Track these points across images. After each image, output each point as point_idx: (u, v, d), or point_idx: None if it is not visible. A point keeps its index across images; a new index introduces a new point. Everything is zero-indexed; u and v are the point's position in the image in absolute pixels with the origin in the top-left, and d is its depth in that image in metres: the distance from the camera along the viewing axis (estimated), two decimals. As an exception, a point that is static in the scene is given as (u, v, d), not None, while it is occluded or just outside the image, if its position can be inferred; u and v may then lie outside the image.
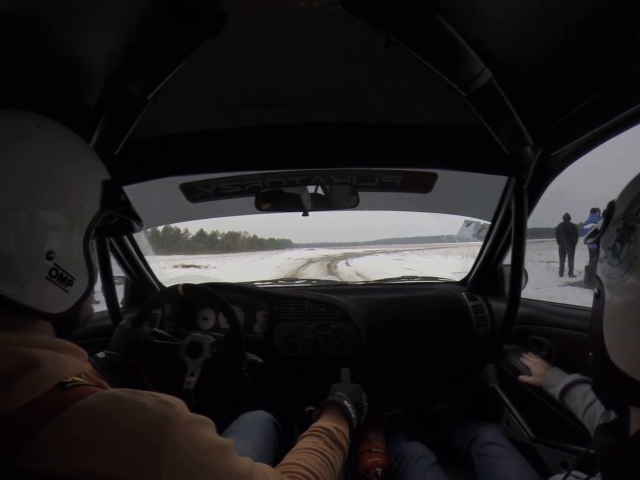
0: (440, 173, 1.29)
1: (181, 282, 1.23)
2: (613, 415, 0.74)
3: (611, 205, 0.42)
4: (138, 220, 0.60)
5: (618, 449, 0.35)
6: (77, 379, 0.41)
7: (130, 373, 1.06)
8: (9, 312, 0.42)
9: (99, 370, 0.93)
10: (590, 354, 0.40)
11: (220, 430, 1.06)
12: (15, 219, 0.40)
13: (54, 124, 0.48)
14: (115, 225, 0.60)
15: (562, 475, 0.40)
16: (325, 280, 3.04)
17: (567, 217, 9.30)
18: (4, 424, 0.35)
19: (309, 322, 1.37)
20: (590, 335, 0.41)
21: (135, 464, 0.35)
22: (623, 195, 0.41)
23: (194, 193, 1.37)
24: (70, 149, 0.48)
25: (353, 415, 0.78)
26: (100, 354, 0.97)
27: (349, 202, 1.31)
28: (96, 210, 0.49)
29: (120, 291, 1.50)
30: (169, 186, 1.31)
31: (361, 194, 1.28)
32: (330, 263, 23.89)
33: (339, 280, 8.61)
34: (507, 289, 1.31)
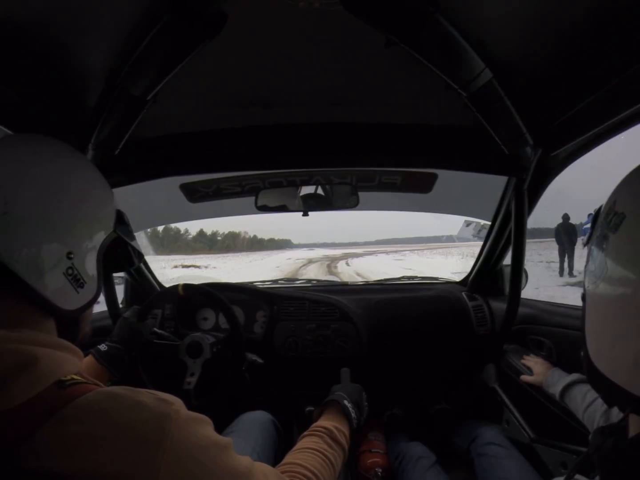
0: (440, 173, 1.29)
1: (181, 282, 1.23)
2: (613, 414, 0.75)
3: (597, 211, 0.43)
4: (139, 253, 0.65)
5: (616, 452, 0.35)
6: (75, 377, 0.41)
7: (132, 366, 1.05)
8: (19, 305, 0.44)
9: (101, 363, 0.92)
10: (582, 353, 0.41)
11: (220, 430, 1.06)
12: (50, 219, 0.47)
13: (82, 155, 0.57)
14: (116, 258, 0.63)
15: (561, 478, 0.40)
16: (325, 281, 3.04)
17: (566, 217, 9.32)
18: (3, 421, 0.35)
19: (309, 322, 1.37)
20: (580, 337, 0.42)
21: (133, 462, 0.35)
22: (606, 202, 0.42)
23: (194, 193, 1.37)
24: (95, 175, 0.56)
25: (353, 415, 0.77)
26: (103, 346, 0.95)
27: (349, 202, 1.31)
28: (110, 229, 0.56)
29: (120, 291, 1.50)
30: (169, 186, 1.31)
31: (361, 194, 1.28)
32: (330, 263, 23.86)
33: (339, 280, 8.60)
34: (507, 289, 1.31)
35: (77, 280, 0.50)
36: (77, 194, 0.51)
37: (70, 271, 0.49)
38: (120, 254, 0.62)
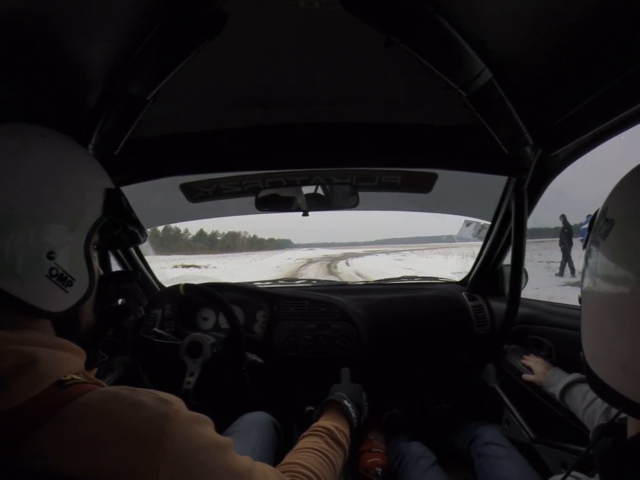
0: (440, 173, 1.29)
1: (182, 282, 1.23)
2: (613, 414, 0.75)
3: (594, 215, 0.43)
4: (141, 228, 0.61)
5: (615, 452, 0.36)
6: (75, 377, 0.41)
7: (132, 366, 1.04)
8: (9, 310, 0.43)
9: None
10: (581, 354, 0.42)
11: (220, 431, 1.06)
12: (19, 219, 0.43)
13: (58, 135, 0.51)
14: (120, 236, 0.61)
15: (561, 476, 0.41)
16: (325, 280, 3.04)
17: (564, 218, 9.42)
18: (4, 421, 0.35)
19: (309, 322, 1.37)
20: (579, 338, 0.43)
21: (133, 461, 0.35)
22: (601, 208, 0.42)
23: (194, 193, 1.37)
24: (73, 158, 0.50)
25: (353, 414, 0.78)
26: None
27: (349, 202, 1.31)
28: (97, 215, 0.51)
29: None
30: (169, 186, 1.31)
31: (361, 194, 1.28)
32: (330, 263, 23.84)
33: (339, 280, 8.61)
34: (507, 289, 1.31)
35: (63, 280, 0.46)
36: (47, 184, 0.45)
37: (54, 272, 0.45)
38: (122, 233, 0.58)
